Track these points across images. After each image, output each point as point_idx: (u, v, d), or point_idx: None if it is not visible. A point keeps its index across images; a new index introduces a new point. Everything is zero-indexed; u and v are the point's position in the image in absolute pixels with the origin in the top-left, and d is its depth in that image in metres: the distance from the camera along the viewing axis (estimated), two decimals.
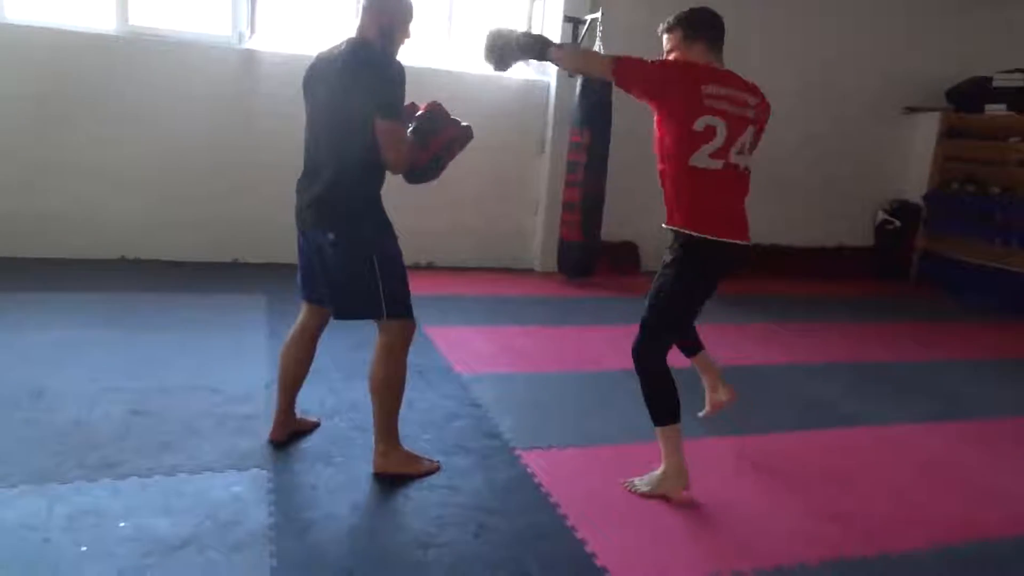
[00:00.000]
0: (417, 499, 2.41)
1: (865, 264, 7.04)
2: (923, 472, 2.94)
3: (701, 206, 2.39)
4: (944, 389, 3.95)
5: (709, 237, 2.37)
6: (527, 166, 5.97)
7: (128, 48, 4.94)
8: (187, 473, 2.43)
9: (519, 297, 5.24)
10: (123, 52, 4.93)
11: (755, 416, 3.35)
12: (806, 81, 6.52)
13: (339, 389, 3.19)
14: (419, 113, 2.53)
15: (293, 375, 2.69)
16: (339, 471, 2.55)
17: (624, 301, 5.01)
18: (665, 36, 2.46)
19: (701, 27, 2.41)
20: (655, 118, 2.42)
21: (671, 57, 2.44)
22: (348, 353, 3.37)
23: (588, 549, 2.20)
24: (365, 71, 2.30)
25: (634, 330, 2.51)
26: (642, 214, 5.39)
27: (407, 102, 2.44)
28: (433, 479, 2.54)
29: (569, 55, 2.60)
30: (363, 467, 2.57)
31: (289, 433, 2.73)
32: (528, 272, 6.05)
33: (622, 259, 6.22)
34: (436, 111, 2.54)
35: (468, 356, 3.79)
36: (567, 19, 5.65)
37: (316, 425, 2.85)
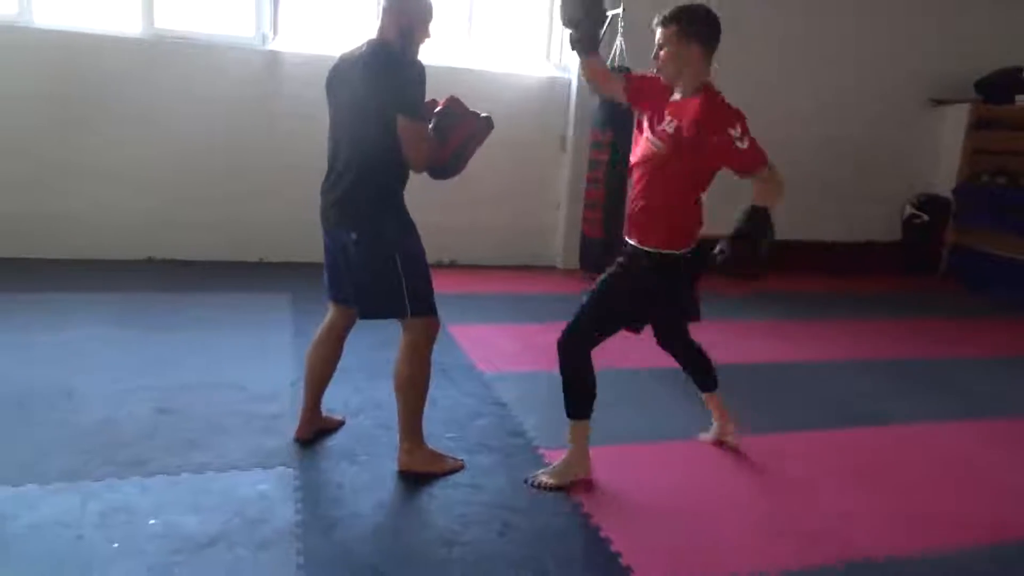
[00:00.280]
0: (441, 497, 2.42)
1: (893, 259, 6.93)
2: (948, 472, 2.89)
3: (689, 229, 2.48)
4: (971, 387, 3.88)
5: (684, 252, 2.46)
6: (549, 164, 5.96)
7: (154, 51, 5.00)
8: (214, 471, 2.46)
9: (541, 295, 5.24)
10: (149, 55, 4.99)
11: (781, 414, 3.32)
12: (831, 75, 6.44)
13: (363, 388, 3.21)
14: (437, 109, 2.52)
15: (320, 374, 2.71)
16: (364, 469, 2.56)
17: None
18: (659, 30, 2.34)
19: (699, 27, 2.31)
20: (677, 154, 2.35)
21: (662, 52, 2.34)
22: (372, 352, 3.39)
23: (612, 548, 2.20)
24: (385, 72, 2.32)
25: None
26: None
27: (427, 99, 2.45)
28: (456, 477, 2.55)
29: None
30: (388, 465, 2.59)
31: (315, 431, 2.75)
32: (550, 270, 6.04)
33: None
34: (454, 106, 2.52)
35: (491, 354, 3.79)
36: None
37: (341, 424, 2.87)
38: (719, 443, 2.90)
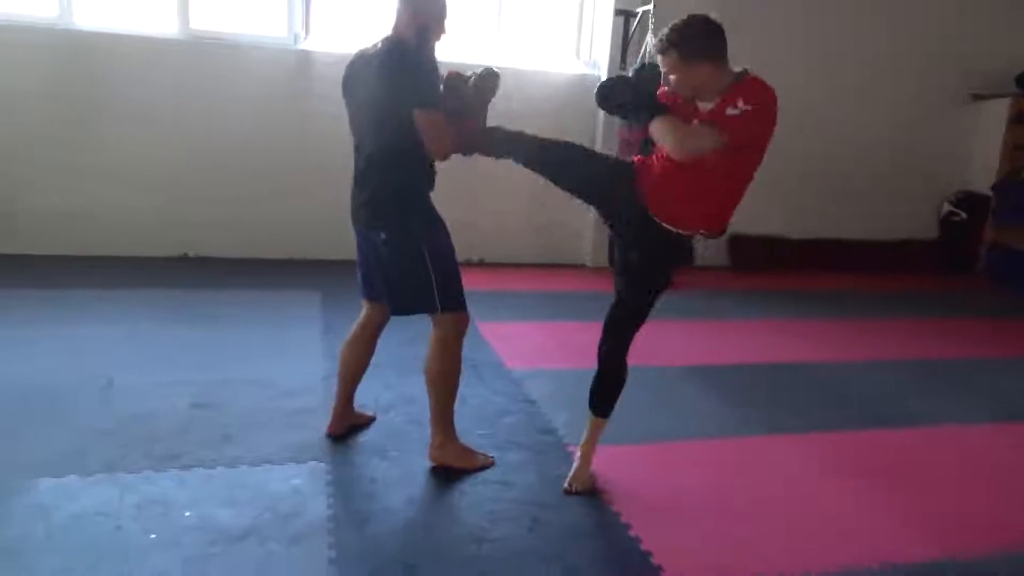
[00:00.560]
0: (471, 494, 2.43)
1: (930, 258, 6.80)
2: (987, 475, 2.83)
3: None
4: (1010, 389, 3.79)
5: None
6: None
7: (189, 51, 5.09)
8: (248, 465, 2.50)
9: (571, 292, 5.23)
10: (184, 55, 5.08)
11: (814, 414, 3.27)
12: (867, 71, 6.34)
13: (394, 384, 3.23)
14: (442, 90, 2.44)
15: (353, 370, 2.74)
16: (395, 465, 2.58)
17: (676, 295, 4.93)
18: (660, 58, 2.18)
19: (701, 48, 2.10)
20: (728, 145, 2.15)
21: (672, 79, 2.16)
22: (402, 348, 3.41)
23: (643, 547, 2.19)
24: (400, 68, 2.30)
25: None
26: None
27: (445, 78, 2.44)
28: (487, 474, 2.55)
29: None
30: (419, 461, 2.60)
31: (347, 427, 2.77)
32: (580, 268, 6.02)
33: None
34: (456, 80, 2.45)
35: (520, 351, 3.79)
36: (618, 12, 5.59)
37: (372, 419, 2.90)
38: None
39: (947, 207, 6.77)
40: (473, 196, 5.41)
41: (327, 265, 5.16)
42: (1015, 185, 6.45)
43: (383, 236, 2.42)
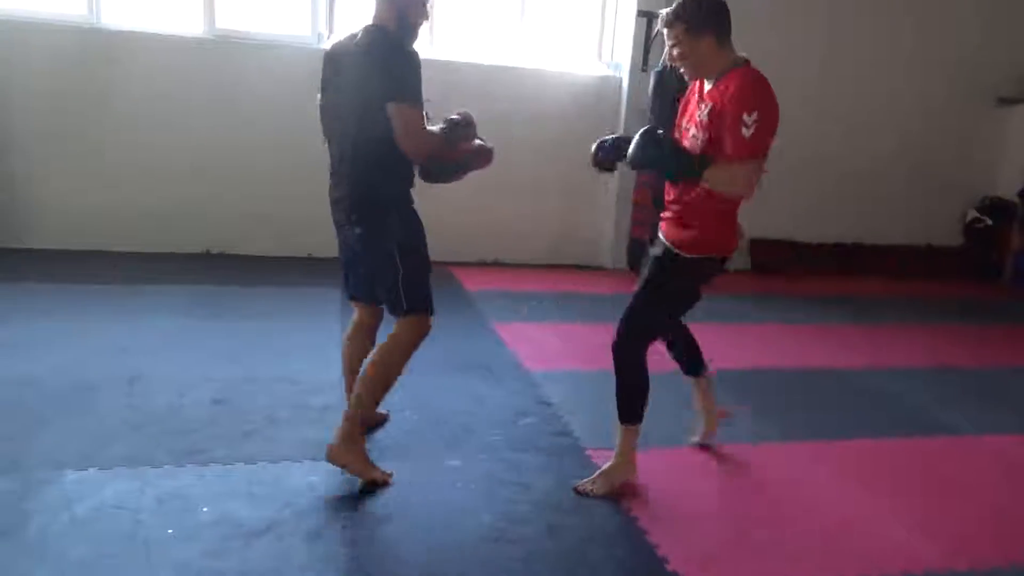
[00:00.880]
0: (488, 495, 2.43)
1: (954, 264, 6.71)
2: (1015, 485, 2.78)
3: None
4: None
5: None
6: None
7: (215, 50, 5.14)
8: (267, 462, 2.51)
9: (590, 295, 5.21)
10: (210, 54, 5.13)
11: (837, 421, 3.25)
12: (891, 76, 6.27)
13: (407, 383, 3.20)
14: (452, 116, 2.48)
15: (357, 368, 2.66)
16: (411, 464, 2.59)
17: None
18: (666, 31, 2.29)
19: (706, 20, 2.24)
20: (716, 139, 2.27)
21: (675, 52, 2.28)
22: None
23: (659, 553, 2.18)
24: (379, 58, 2.24)
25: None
26: None
27: (458, 112, 2.44)
28: (504, 476, 2.54)
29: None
30: (435, 461, 2.61)
31: None
32: (598, 270, 6.01)
33: None
34: (470, 118, 2.49)
35: (538, 353, 3.79)
36: (641, 14, 5.57)
37: (386, 418, 2.90)
38: (706, 445, 2.81)
39: (972, 213, 6.68)
40: (491, 197, 5.42)
41: None
42: None
43: (358, 231, 2.39)
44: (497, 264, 5.82)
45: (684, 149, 2.31)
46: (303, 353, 3.55)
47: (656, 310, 2.47)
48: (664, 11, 2.30)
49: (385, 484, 2.42)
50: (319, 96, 2.50)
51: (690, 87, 2.44)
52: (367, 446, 2.52)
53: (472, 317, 4.23)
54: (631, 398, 2.48)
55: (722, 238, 2.39)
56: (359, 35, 2.32)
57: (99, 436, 2.60)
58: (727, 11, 2.27)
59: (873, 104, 6.30)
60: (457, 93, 5.61)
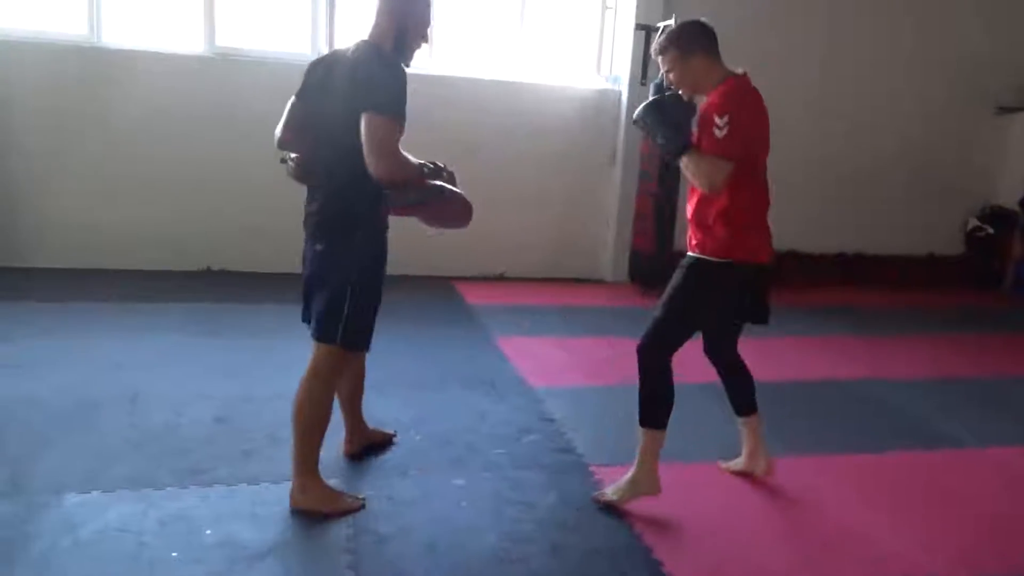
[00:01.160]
0: (492, 514, 2.42)
1: (955, 273, 6.71)
2: (1017, 497, 2.77)
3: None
4: None
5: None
6: (599, 176, 5.93)
7: (215, 68, 5.17)
8: (269, 482, 2.50)
9: (592, 308, 5.21)
10: (210, 72, 5.16)
11: (839, 433, 3.23)
12: (891, 85, 6.30)
13: (412, 402, 3.23)
14: (438, 163, 2.45)
15: (347, 389, 2.67)
16: (415, 484, 2.58)
17: None
18: (659, 59, 2.47)
19: (693, 41, 2.41)
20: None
21: (672, 76, 2.44)
22: (420, 365, 3.42)
23: (664, 570, 2.17)
24: (365, 72, 2.15)
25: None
26: None
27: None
28: (508, 494, 2.53)
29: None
30: (438, 480, 2.60)
31: (362, 445, 2.76)
32: (600, 283, 6.01)
33: None
34: (452, 173, 2.47)
35: (541, 368, 3.77)
36: (639, 27, 5.60)
37: (390, 437, 2.89)
38: (744, 474, 2.77)
39: (973, 222, 6.68)
40: (493, 210, 5.42)
41: None
42: None
43: (318, 247, 2.33)
44: (503, 278, 5.82)
45: (681, 127, 2.39)
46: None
47: (680, 318, 2.46)
48: (654, 44, 2.45)
49: (362, 508, 2.38)
50: (291, 100, 2.42)
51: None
52: (371, 460, 2.50)
53: (474, 331, 4.20)
54: (651, 402, 2.46)
55: (747, 243, 2.40)
56: (351, 50, 2.24)
57: (102, 456, 2.60)
58: (711, 30, 2.44)
59: (874, 104, 6.31)
60: (456, 108, 5.67)
